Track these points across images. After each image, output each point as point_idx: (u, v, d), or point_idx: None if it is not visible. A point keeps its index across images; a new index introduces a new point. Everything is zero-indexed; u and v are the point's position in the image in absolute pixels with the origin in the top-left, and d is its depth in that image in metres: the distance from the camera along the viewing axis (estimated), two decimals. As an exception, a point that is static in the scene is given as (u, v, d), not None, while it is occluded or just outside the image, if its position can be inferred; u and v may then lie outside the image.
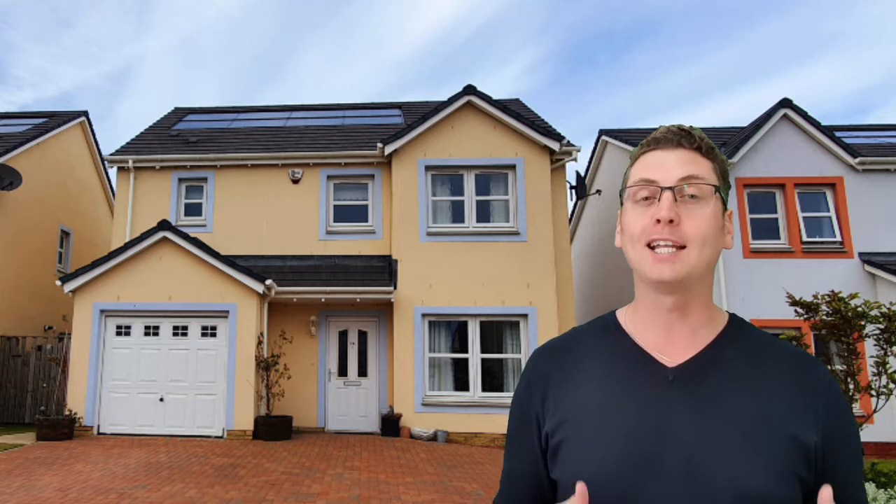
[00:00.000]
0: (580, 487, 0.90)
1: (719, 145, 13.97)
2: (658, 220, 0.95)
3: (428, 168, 12.97)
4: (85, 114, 17.61)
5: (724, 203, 1.01)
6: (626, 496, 0.91)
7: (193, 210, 13.59)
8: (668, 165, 0.99)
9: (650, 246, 0.96)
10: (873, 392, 5.79)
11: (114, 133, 77.42)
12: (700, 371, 0.97)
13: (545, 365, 1.08)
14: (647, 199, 0.99)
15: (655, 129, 1.06)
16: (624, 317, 1.08)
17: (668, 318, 1.00)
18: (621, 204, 1.07)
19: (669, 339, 1.00)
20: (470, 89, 12.95)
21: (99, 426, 11.22)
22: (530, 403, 1.07)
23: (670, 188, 0.97)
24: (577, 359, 1.06)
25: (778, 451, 0.89)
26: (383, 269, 12.62)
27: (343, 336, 12.82)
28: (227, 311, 11.48)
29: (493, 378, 12.24)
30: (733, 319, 1.03)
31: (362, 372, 12.64)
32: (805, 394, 0.94)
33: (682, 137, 1.01)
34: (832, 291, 6.23)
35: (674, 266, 0.94)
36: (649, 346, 1.01)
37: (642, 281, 1.01)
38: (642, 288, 1.03)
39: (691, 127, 1.03)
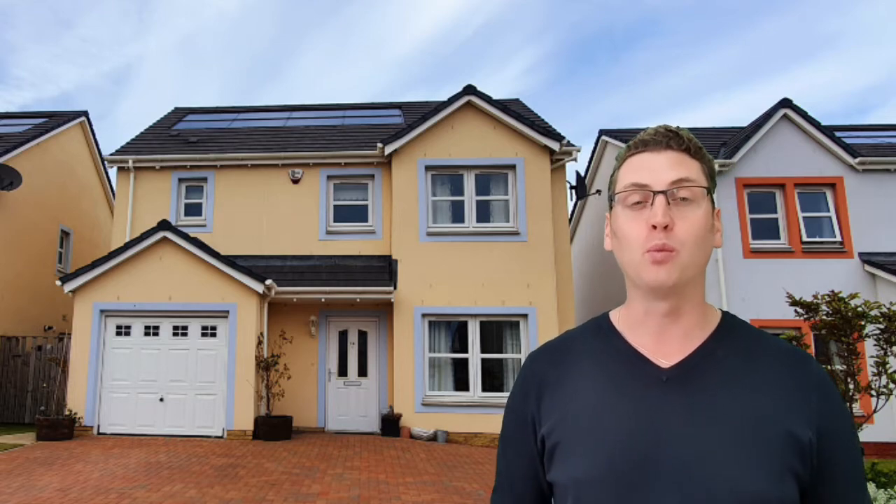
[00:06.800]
0: None
1: (719, 145, 13.98)
2: (653, 226, 0.95)
3: (428, 168, 12.97)
4: (85, 114, 17.60)
5: (713, 202, 1.01)
6: (622, 498, 0.91)
7: (193, 210, 13.59)
8: (658, 168, 0.98)
9: (647, 251, 0.96)
10: (873, 392, 5.79)
11: (114, 133, 77.47)
12: (693, 371, 0.97)
13: (540, 368, 1.08)
14: (638, 202, 0.99)
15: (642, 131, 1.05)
16: (617, 318, 1.08)
17: (661, 322, 1.00)
18: (610, 207, 1.07)
19: (662, 341, 1.00)
20: (470, 89, 12.95)
21: (99, 426, 11.22)
22: (526, 406, 1.07)
23: (663, 192, 0.96)
24: (572, 361, 1.06)
25: (773, 449, 0.89)
26: (383, 269, 12.62)
27: (343, 336, 12.81)
28: (227, 311, 11.48)
29: (493, 378, 12.23)
30: (725, 318, 1.03)
31: (362, 372, 12.64)
32: (798, 390, 0.94)
33: (670, 139, 1.00)
34: (832, 291, 6.23)
35: (668, 269, 0.94)
36: (643, 347, 1.01)
37: (636, 285, 1.00)
38: (634, 292, 1.02)
39: (678, 128, 1.02)
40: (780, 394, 0.94)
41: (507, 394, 11.79)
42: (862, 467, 0.96)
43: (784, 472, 0.88)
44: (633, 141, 1.05)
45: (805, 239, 12.75)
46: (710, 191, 0.99)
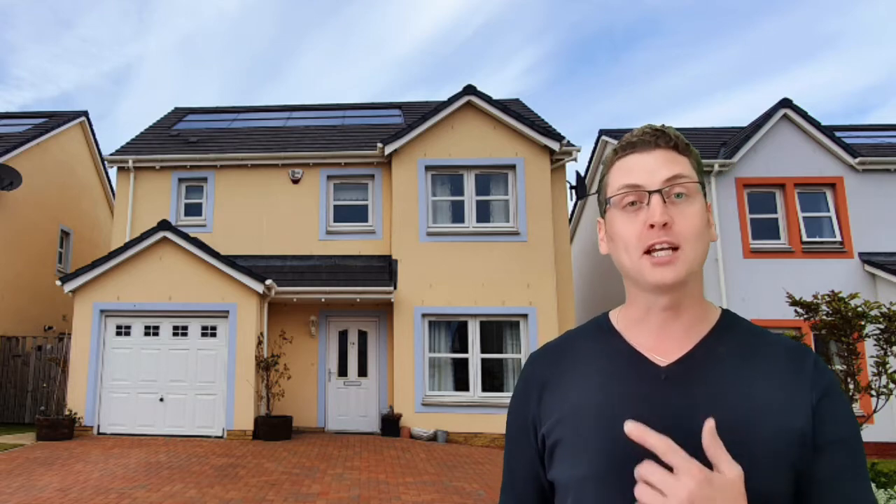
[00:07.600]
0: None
1: (719, 145, 13.98)
2: (652, 225, 0.95)
3: (428, 168, 12.97)
4: (85, 114, 17.60)
5: (705, 196, 1.01)
6: (622, 496, 0.90)
7: (193, 210, 13.59)
8: (650, 168, 0.98)
9: (647, 251, 0.96)
10: (873, 392, 5.78)
11: (114, 133, 77.52)
12: (693, 368, 0.97)
13: (540, 368, 1.09)
14: (633, 204, 0.99)
15: (628, 132, 1.05)
16: (616, 318, 1.08)
17: (661, 317, 1.00)
18: (602, 212, 1.07)
19: (662, 338, 1.00)
20: (470, 89, 12.94)
21: (99, 426, 11.22)
22: (527, 407, 1.08)
23: (658, 191, 0.96)
24: (572, 361, 1.06)
25: (774, 445, 0.89)
26: (383, 269, 12.62)
27: (343, 336, 12.81)
28: (227, 311, 11.48)
29: (493, 378, 12.23)
30: (725, 315, 1.03)
31: (362, 372, 12.64)
32: (798, 385, 0.94)
33: (658, 138, 1.00)
34: (832, 291, 6.22)
35: (674, 268, 0.94)
36: (642, 345, 1.01)
37: (639, 286, 1.00)
38: (634, 290, 1.02)
39: (663, 125, 1.02)
40: (779, 389, 0.93)
41: (506, 394, 11.81)
42: (863, 462, 0.95)
43: (785, 468, 0.88)
44: (619, 144, 1.04)
45: (805, 239, 12.74)
46: (703, 185, 1.00)
